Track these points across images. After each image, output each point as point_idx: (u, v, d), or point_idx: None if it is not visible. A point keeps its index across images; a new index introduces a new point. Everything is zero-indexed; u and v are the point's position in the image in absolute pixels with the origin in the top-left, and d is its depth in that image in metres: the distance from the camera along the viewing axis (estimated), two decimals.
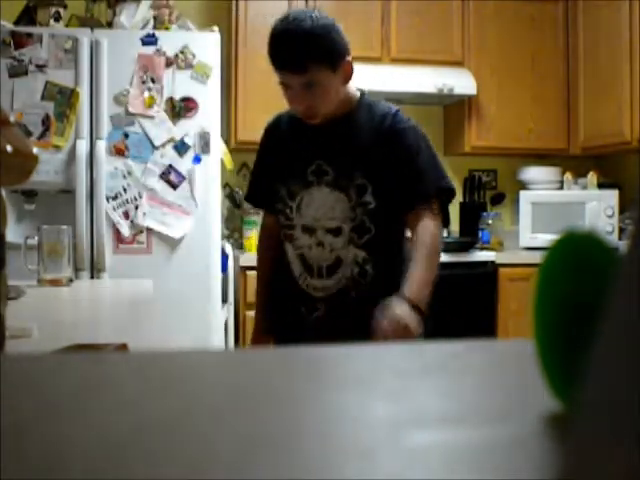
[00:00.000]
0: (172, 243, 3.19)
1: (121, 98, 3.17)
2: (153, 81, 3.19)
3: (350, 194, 1.81)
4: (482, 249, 3.82)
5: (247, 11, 3.75)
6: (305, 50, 1.73)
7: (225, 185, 3.93)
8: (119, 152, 3.16)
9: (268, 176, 1.95)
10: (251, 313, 3.44)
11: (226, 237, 3.87)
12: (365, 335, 1.74)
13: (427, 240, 1.82)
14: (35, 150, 1.18)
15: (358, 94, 1.89)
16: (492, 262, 3.64)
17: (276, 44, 1.75)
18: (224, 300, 3.41)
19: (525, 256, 3.72)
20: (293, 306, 1.93)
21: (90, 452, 0.33)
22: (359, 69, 3.79)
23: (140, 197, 3.17)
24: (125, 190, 3.17)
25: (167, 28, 3.39)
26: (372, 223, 1.82)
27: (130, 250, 3.16)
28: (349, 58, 1.83)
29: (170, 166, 3.18)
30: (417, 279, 1.80)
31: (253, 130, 3.70)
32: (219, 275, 3.29)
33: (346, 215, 1.82)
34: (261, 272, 2.08)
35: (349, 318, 1.84)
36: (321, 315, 1.87)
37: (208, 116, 3.22)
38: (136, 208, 3.17)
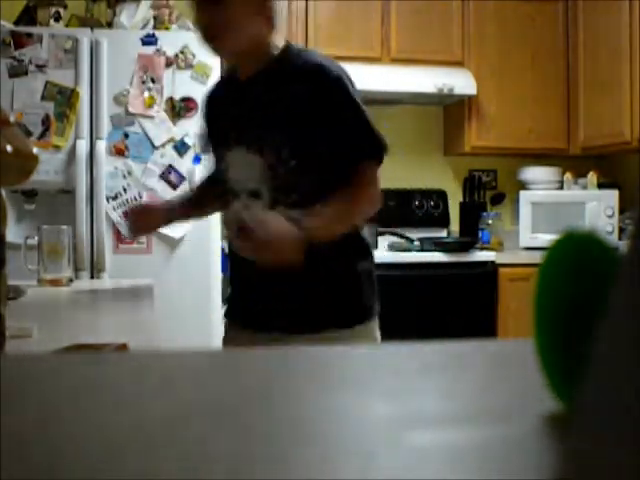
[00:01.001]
0: (172, 243, 3.19)
1: (121, 98, 3.17)
2: (153, 81, 3.19)
3: (267, 153, 1.67)
4: (482, 249, 3.82)
5: None
6: None
7: None
8: (119, 152, 3.16)
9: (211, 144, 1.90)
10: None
11: (226, 237, 3.87)
12: (300, 293, 1.67)
13: (355, 199, 1.66)
14: (35, 150, 1.18)
15: (282, 45, 1.72)
16: (492, 262, 3.64)
17: None
18: (224, 300, 3.41)
19: (525, 256, 3.72)
20: (237, 275, 1.84)
21: (90, 452, 0.33)
22: (359, 69, 3.81)
23: (140, 197, 3.17)
24: (125, 190, 3.17)
25: (167, 28, 3.39)
26: (297, 181, 1.65)
27: (130, 250, 3.16)
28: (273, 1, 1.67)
29: (170, 166, 3.18)
30: (323, 214, 1.62)
31: None
32: (219, 275, 3.29)
33: (263, 176, 1.68)
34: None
35: (288, 278, 1.67)
36: (260, 281, 1.74)
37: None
38: None
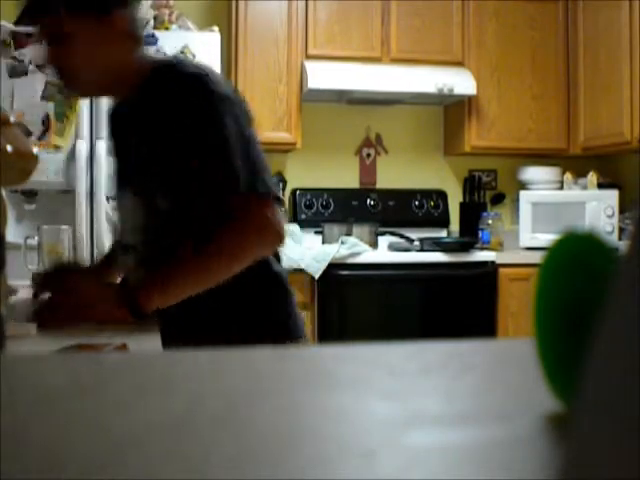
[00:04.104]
0: None
1: None
2: None
3: (142, 197, 1.41)
4: (482, 249, 3.82)
5: (247, 11, 3.75)
6: None
7: None
8: None
9: None
10: None
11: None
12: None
13: (219, 243, 1.32)
14: (35, 150, 1.18)
15: (154, 59, 1.46)
16: (492, 262, 3.64)
17: None
18: None
19: (525, 256, 3.72)
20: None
21: (90, 452, 0.33)
22: (359, 69, 3.81)
23: None
24: None
25: (167, 28, 3.39)
26: (171, 234, 1.39)
27: None
28: (125, 13, 1.38)
29: None
30: (170, 276, 1.32)
31: None
32: None
33: (141, 227, 1.43)
34: None
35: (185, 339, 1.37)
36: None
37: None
38: None
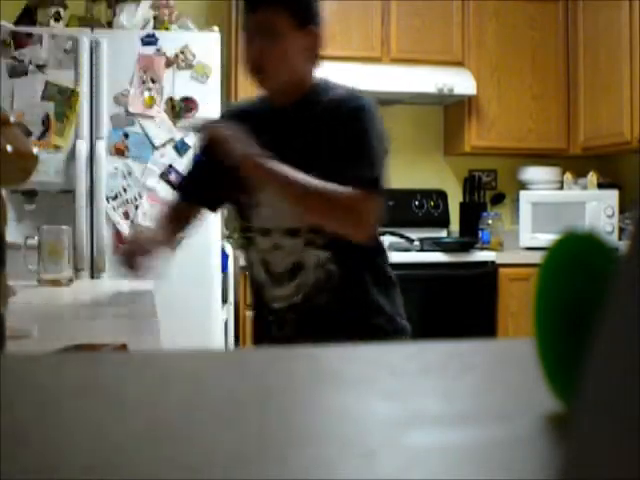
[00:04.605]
0: None
1: (121, 98, 3.17)
2: (153, 81, 3.19)
3: None
4: (482, 249, 3.82)
5: None
6: None
7: None
8: (119, 152, 3.16)
9: (210, 171, 1.79)
10: (251, 313, 3.44)
11: (226, 237, 3.87)
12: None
13: (338, 188, 1.58)
14: (35, 150, 1.18)
15: (315, 79, 1.73)
16: (492, 262, 3.64)
17: None
18: (224, 300, 3.41)
19: (525, 256, 3.72)
20: (263, 323, 1.79)
21: (90, 452, 0.33)
22: (359, 69, 3.81)
23: (140, 197, 3.17)
24: (125, 190, 3.17)
25: (167, 28, 3.39)
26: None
27: None
28: (319, 30, 1.68)
29: (170, 166, 3.18)
30: (306, 178, 1.59)
31: None
32: (219, 275, 3.29)
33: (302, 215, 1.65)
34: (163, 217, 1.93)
35: (321, 330, 1.66)
36: (290, 331, 1.69)
37: (208, 116, 3.22)
38: (136, 208, 3.17)
